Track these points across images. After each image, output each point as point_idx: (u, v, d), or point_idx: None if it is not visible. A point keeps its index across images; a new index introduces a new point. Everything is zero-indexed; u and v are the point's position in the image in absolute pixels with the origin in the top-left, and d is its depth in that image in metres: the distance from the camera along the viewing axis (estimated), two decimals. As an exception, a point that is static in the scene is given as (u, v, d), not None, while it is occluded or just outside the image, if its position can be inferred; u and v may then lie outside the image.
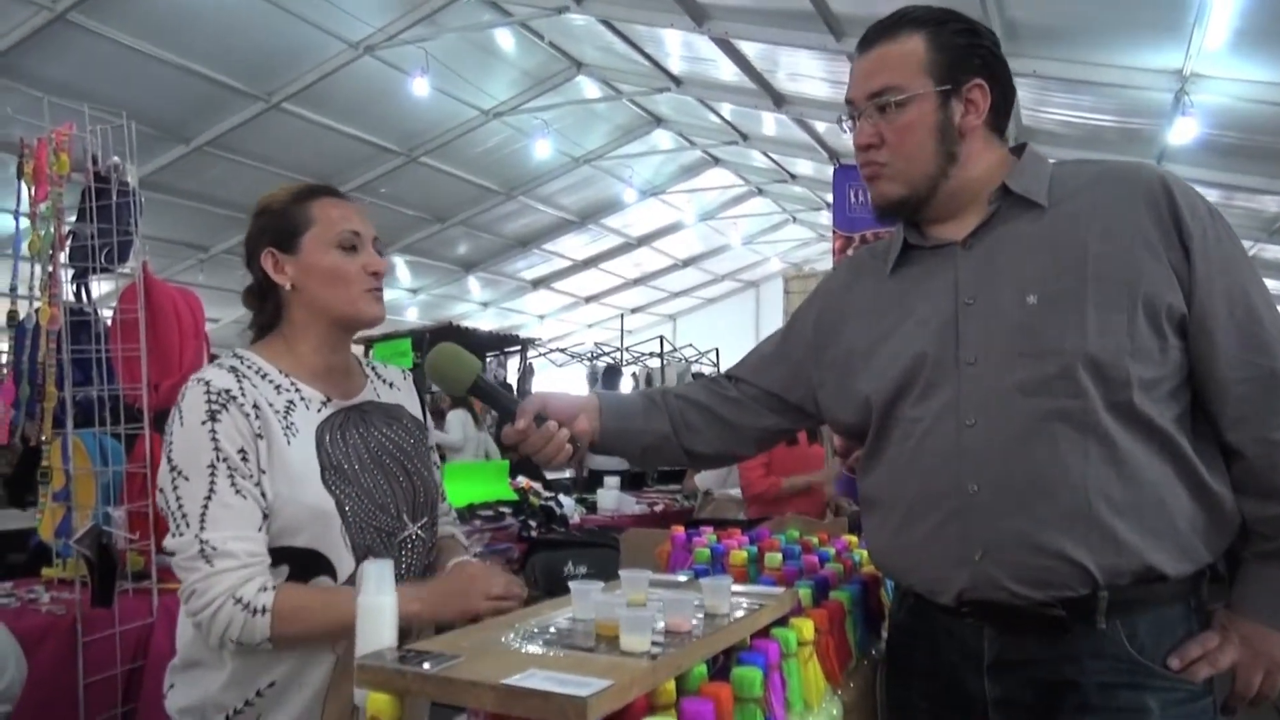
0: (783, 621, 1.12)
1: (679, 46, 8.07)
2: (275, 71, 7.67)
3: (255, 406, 1.35)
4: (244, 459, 1.32)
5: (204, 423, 1.31)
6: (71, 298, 2.29)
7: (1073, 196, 1.24)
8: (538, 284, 14.33)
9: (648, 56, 8.31)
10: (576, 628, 0.98)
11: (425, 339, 7.51)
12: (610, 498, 4.47)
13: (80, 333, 2.24)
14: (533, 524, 3.76)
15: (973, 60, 1.26)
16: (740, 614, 1.06)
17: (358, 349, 8.96)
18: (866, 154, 1.28)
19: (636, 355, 12.74)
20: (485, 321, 14.21)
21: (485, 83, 8.70)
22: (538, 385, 10.83)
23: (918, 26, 1.27)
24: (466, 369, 1.37)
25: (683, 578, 1.27)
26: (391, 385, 1.61)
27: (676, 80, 8.80)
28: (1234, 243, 1.22)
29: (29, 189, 2.23)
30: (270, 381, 1.41)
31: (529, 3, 7.42)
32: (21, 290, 2.23)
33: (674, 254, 14.79)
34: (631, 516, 4.38)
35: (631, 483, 7.22)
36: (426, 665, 0.82)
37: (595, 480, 4.60)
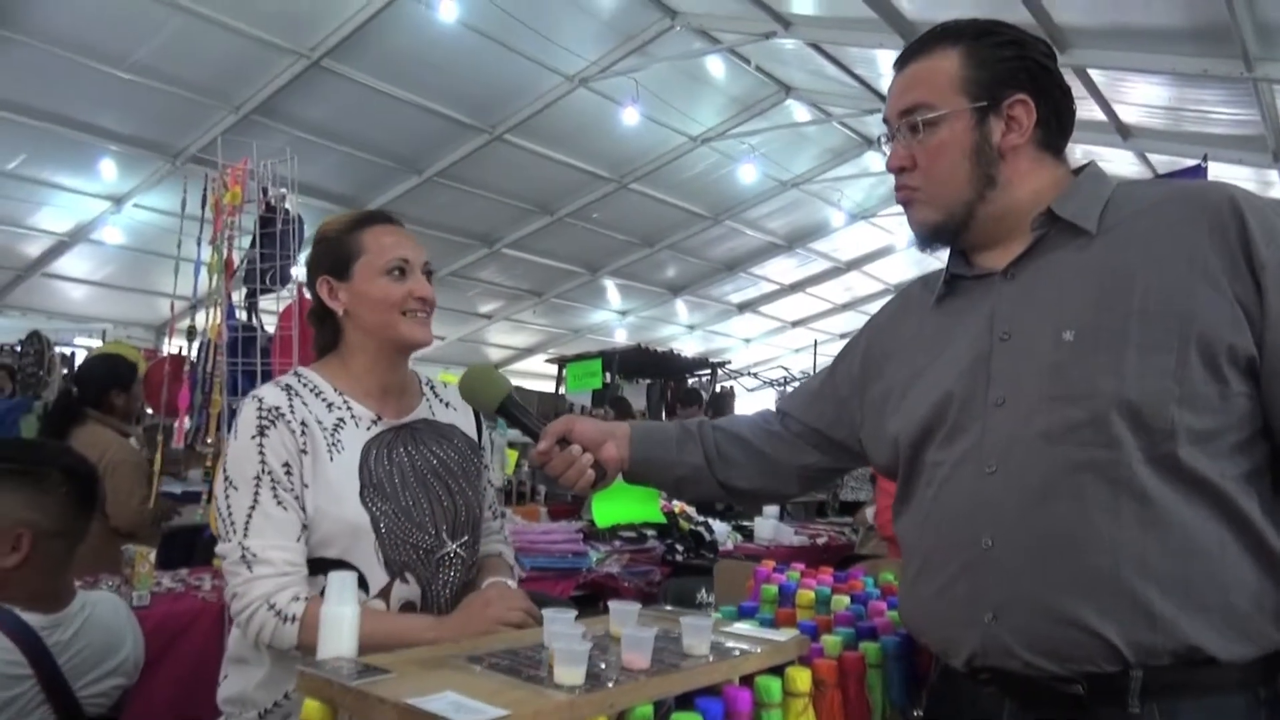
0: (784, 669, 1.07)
1: (890, 67, 7.83)
2: (498, 105, 8.23)
3: (303, 423, 1.45)
4: (287, 473, 1.42)
5: (253, 437, 1.42)
6: (242, 315, 2.59)
7: (1128, 222, 1.10)
8: (744, 308, 14.34)
9: (857, 78, 8.14)
10: (540, 655, 0.99)
11: (615, 359, 7.74)
12: (768, 526, 4.37)
13: (250, 347, 2.53)
14: (679, 548, 3.76)
15: (1016, 75, 1.16)
16: (732, 655, 1.03)
17: (551, 368, 9.41)
18: (899, 177, 1.21)
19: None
20: (691, 344, 14.38)
21: (693, 109, 8.88)
22: (739, 409, 10.83)
23: (955, 41, 1.18)
24: (497, 389, 1.41)
25: (674, 613, 1.24)
26: (448, 405, 1.67)
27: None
28: None
29: (211, 218, 2.56)
30: (323, 399, 1.50)
31: (737, 30, 7.50)
32: (200, 308, 2.56)
33: (885, 279, 14.30)
34: (789, 548, 4.26)
35: (819, 510, 7.02)
36: (351, 678, 0.86)
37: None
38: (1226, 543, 1.00)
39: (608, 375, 7.69)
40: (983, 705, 1.12)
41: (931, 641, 1.18)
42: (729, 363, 11.91)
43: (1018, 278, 1.16)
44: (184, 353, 2.58)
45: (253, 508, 1.40)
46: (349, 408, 1.52)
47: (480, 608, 1.43)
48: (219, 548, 1.43)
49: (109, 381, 3.27)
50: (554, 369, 9.05)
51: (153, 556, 2.47)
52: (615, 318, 13.84)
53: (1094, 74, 5.85)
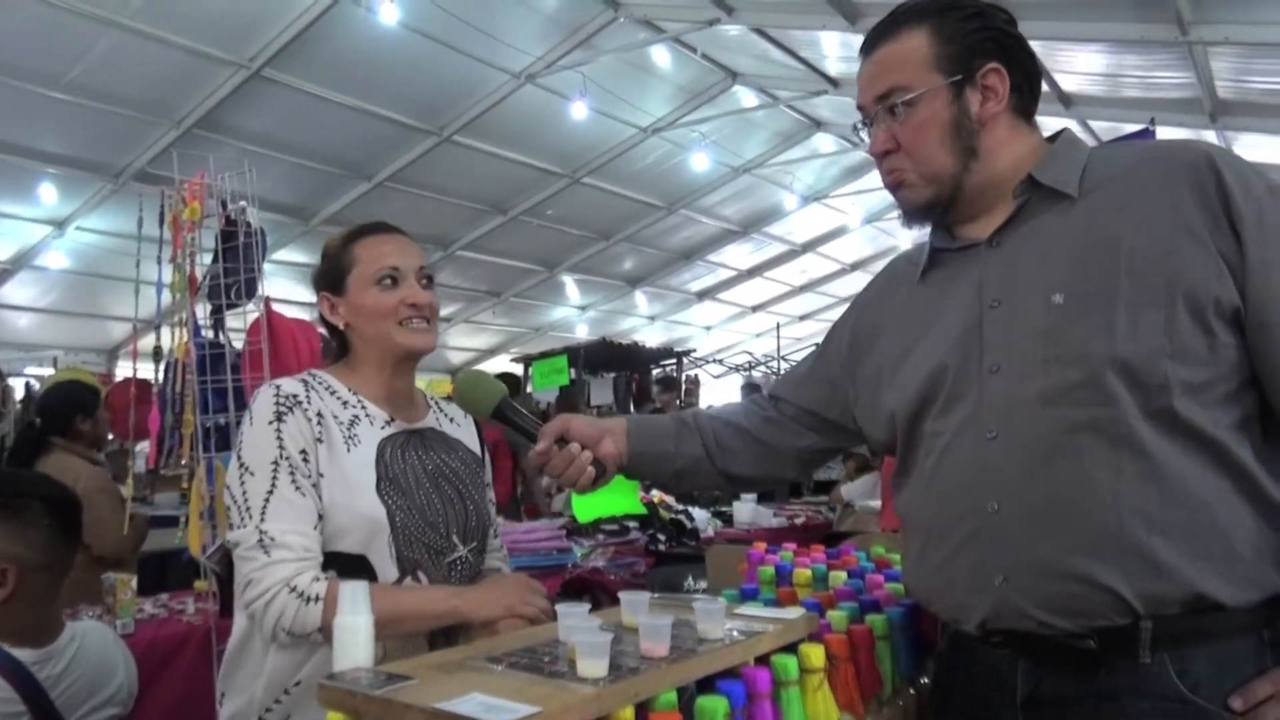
0: (795, 646, 1.08)
1: (836, 47, 7.90)
2: (445, 106, 8.16)
3: (319, 414, 1.45)
4: (305, 459, 1.41)
5: (270, 423, 1.42)
6: (209, 332, 2.55)
7: (1108, 184, 1.12)
8: (703, 295, 14.39)
9: (803, 60, 8.20)
10: (557, 652, 0.99)
11: (581, 355, 7.73)
12: (746, 510, 4.40)
13: (217, 364, 2.49)
14: (661, 538, 3.78)
15: (985, 44, 1.18)
16: (739, 638, 1.04)
17: (517, 367, 9.37)
18: (885, 161, 1.22)
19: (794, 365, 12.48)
20: (653, 335, 14.42)
21: (642, 100, 8.88)
22: (704, 397, 10.88)
23: (920, 20, 1.20)
24: (491, 393, 1.41)
25: (688, 600, 1.25)
26: (453, 420, 1.69)
27: (834, 82, 8.62)
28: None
29: (170, 235, 2.51)
30: (338, 397, 1.51)
31: (681, 18, 7.51)
32: (164, 327, 2.51)
33: (841, 259, 14.45)
34: (768, 530, 4.30)
35: (793, 491, 7.08)
36: (374, 687, 0.85)
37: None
38: (1225, 491, 1.03)
39: (574, 371, 7.68)
40: (996, 667, 1.14)
41: (942, 609, 1.20)
42: (694, 351, 11.95)
43: (1003, 245, 1.18)
44: (154, 374, 2.53)
45: (270, 492, 1.38)
46: (363, 407, 1.53)
47: (502, 589, 1.43)
48: (230, 535, 1.41)
49: (73, 408, 3.20)
50: (519, 369, 9.03)
51: (134, 584, 2.42)
52: (575, 313, 13.81)
53: (1034, 44, 5.92)
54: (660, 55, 8.31)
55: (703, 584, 2.96)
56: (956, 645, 1.22)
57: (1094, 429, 1.05)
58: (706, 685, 0.98)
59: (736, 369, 12.54)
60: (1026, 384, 1.09)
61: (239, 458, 1.44)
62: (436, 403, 1.70)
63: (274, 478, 1.39)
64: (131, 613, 2.38)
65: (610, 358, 9.24)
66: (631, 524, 3.88)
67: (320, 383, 1.52)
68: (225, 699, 1.51)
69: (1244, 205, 1.04)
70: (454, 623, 1.42)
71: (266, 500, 1.38)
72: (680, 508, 4.13)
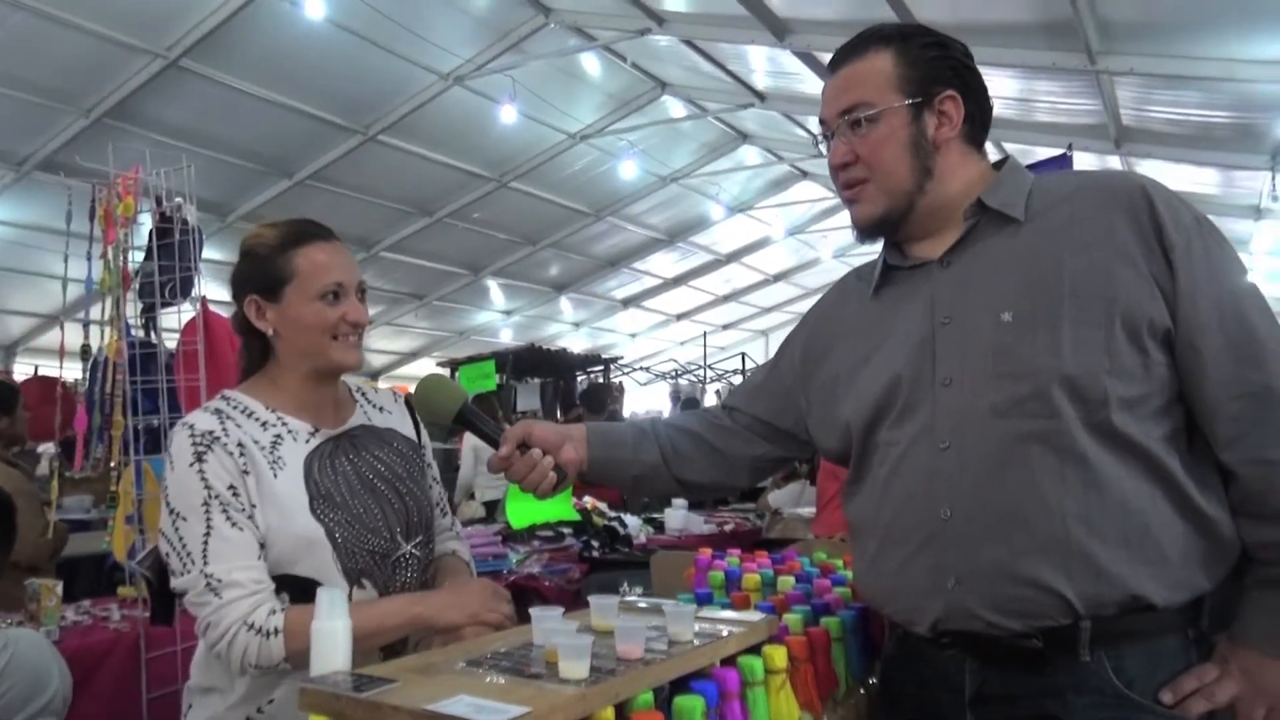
0: (759, 648, 1.12)
1: (763, 62, 8.06)
2: (371, 105, 8.02)
3: (240, 445, 1.41)
4: (234, 495, 1.38)
5: (191, 464, 1.38)
6: (140, 332, 2.46)
7: (1051, 210, 1.20)
8: (628, 303, 14.46)
9: (731, 74, 8.33)
10: (533, 655, 1.00)
11: (509, 360, 7.68)
12: (677, 517, 4.45)
13: (148, 364, 2.41)
14: (595, 544, 3.79)
15: (944, 72, 1.25)
16: (703, 641, 1.06)
17: (444, 371, 9.26)
18: (844, 173, 1.27)
19: (720, 373, 12.66)
20: (577, 341, 14.41)
21: (571, 107, 8.88)
22: (626, 405, 10.92)
23: (885, 43, 1.26)
24: (452, 399, 1.40)
25: (656, 604, 1.28)
26: (382, 409, 1.65)
27: (761, 96, 8.79)
28: (1223, 250, 1.15)
29: (101, 231, 2.42)
30: (256, 419, 1.47)
31: (612, 26, 7.55)
32: (93, 326, 2.42)
33: (764, 269, 14.70)
34: (699, 536, 4.34)
35: (721, 500, 7.17)
36: (360, 690, 0.85)
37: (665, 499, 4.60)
38: (1156, 498, 1.11)
39: (501, 376, 7.62)
40: (943, 667, 1.20)
41: (895, 612, 1.25)
42: (621, 358, 11.99)
43: (953, 265, 1.24)
44: (82, 373, 2.42)
45: (207, 534, 1.35)
46: (284, 424, 1.48)
47: (465, 595, 1.42)
48: (176, 583, 1.37)
49: None
50: (446, 372, 8.92)
51: (59, 590, 2.32)
52: (500, 318, 13.71)
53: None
54: (590, 63, 8.34)
55: (639, 589, 2.97)
56: (904, 647, 1.28)
57: (1041, 440, 1.11)
58: (679, 685, 1.00)
59: (663, 377, 12.62)
60: (978, 397, 1.15)
61: (168, 504, 1.40)
62: (363, 393, 1.66)
63: (208, 519, 1.36)
64: (56, 620, 2.27)
65: (538, 363, 9.21)
66: (566, 530, 3.88)
67: (236, 406, 1.47)
68: (191, 710, 1.47)
69: (1174, 234, 1.12)
70: (417, 629, 1.42)
71: (205, 543, 1.35)
72: (613, 514, 4.15)
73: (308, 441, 1.49)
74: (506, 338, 13.74)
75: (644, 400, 14.76)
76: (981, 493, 1.13)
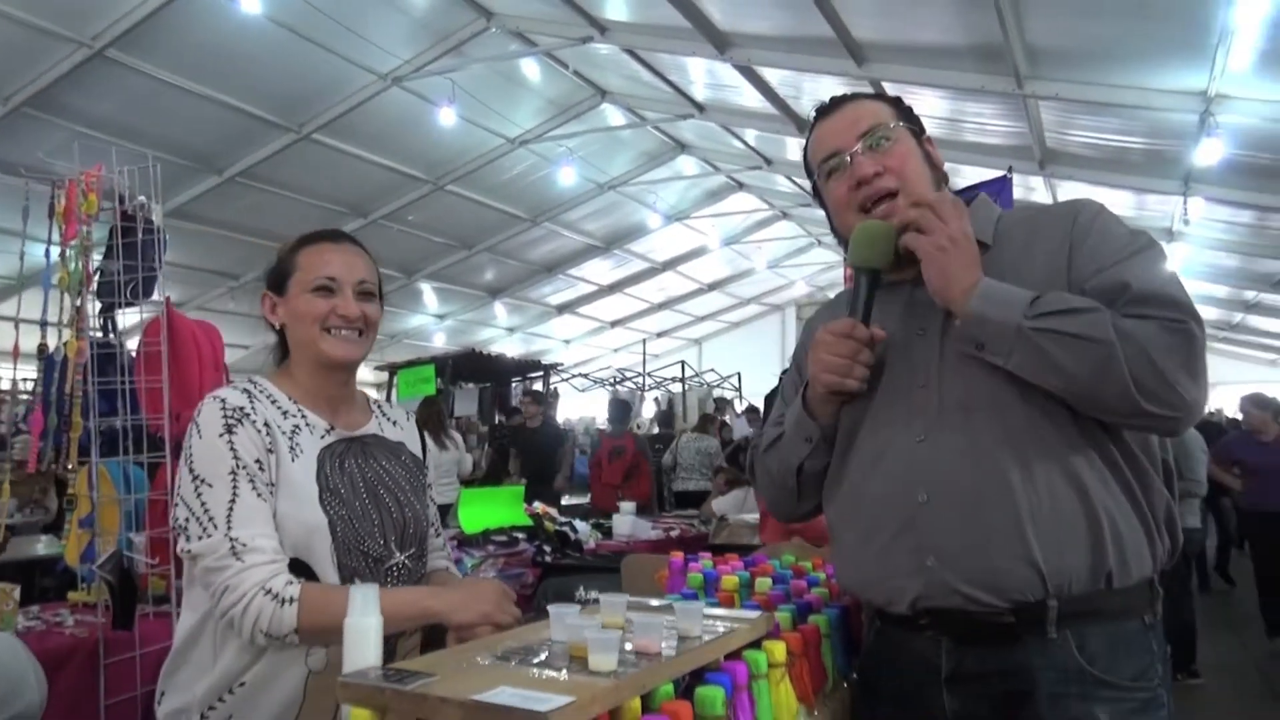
0: (757, 644, 1.17)
1: (703, 74, 8.17)
2: (306, 103, 7.88)
3: (266, 424, 1.45)
4: (260, 468, 1.42)
5: (221, 435, 1.41)
6: (99, 332, 2.39)
7: (1011, 233, 1.33)
8: (563, 309, 14.48)
9: (671, 84, 8.42)
10: (553, 649, 1.04)
11: (449, 365, 7.60)
12: (625, 523, 4.50)
13: (107, 365, 2.34)
14: (547, 549, 3.81)
15: (918, 123, 1.39)
16: (709, 637, 1.11)
17: (382, 375, 9.12)
18: (874, 184, 1.33)
19: (659, 380, 12.75)
20: (511, 346, 14.36)
21: (511, 111, 8.87)
22: (562, 410, 10.93)
23: (871, 99, 1.41)
24: (882, 255, 1.31)
25: (664, 602, 1.32)
26: (395, 424, 1.70)
27: (700, 107, 8.92)
28: (1115, 221, 1.28)
29: (60, 227, 2.35)
30: (278, 406, 1.51)
31: (554, 33, 7.57)
32: (51, 325, 2.34)
33: (699, 278, 14.88)
34: (647, 542, 4.40)
35: (661, 507, 7.22)
36: (403, 683, 0.87)
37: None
38: (1108, 482, 1.22)
39: (440, 380, 7.55)
40: (921, 650, 1.28)
41: (876, 595, 1.33)
42: (560, 365, 11.99)
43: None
44: (37, 373, 2.33)
45: (233, 500, 1.37)
46: (303, 415, 1.52)
47: (478, 596, 1.44)
48: (195, 545, 1.36)
49: None
50: (384, 376, 8.78)
51: (17, 594, 2.23)
52: (433, 321, 13.58)
53: (886, 85, 6.40)
54: (531, 68, 8.35)
55: (594, 594, 3.00)
56: (883, 639, 1.36)
57: (1006, 433, 1.23)
58: (694, 678, 1.05)
59: (602, 383, 12.65)
60: (949, 395, 1.27)
61: (191, 471, 1.41)
62: (380, 407, 1.70)
63: (234, 486, 1.39)
64: (14, 625, 2.19)
65: (476, 368, 9.14)
66: (520, 534, 3.89)
67: (262, 391, 1.52)
68: (165, 697, 1.47)
69: (1077, 226, 1.27)
70: (427, 624, 1.44)
71: (230, 508, 1.37)
72: (564, 520, 4.17)
73: (323, 437, 1.52)
74: (440, 341, 13.60)
75: (581, 406, 14.78)
76: (955, 478, 1.24)
